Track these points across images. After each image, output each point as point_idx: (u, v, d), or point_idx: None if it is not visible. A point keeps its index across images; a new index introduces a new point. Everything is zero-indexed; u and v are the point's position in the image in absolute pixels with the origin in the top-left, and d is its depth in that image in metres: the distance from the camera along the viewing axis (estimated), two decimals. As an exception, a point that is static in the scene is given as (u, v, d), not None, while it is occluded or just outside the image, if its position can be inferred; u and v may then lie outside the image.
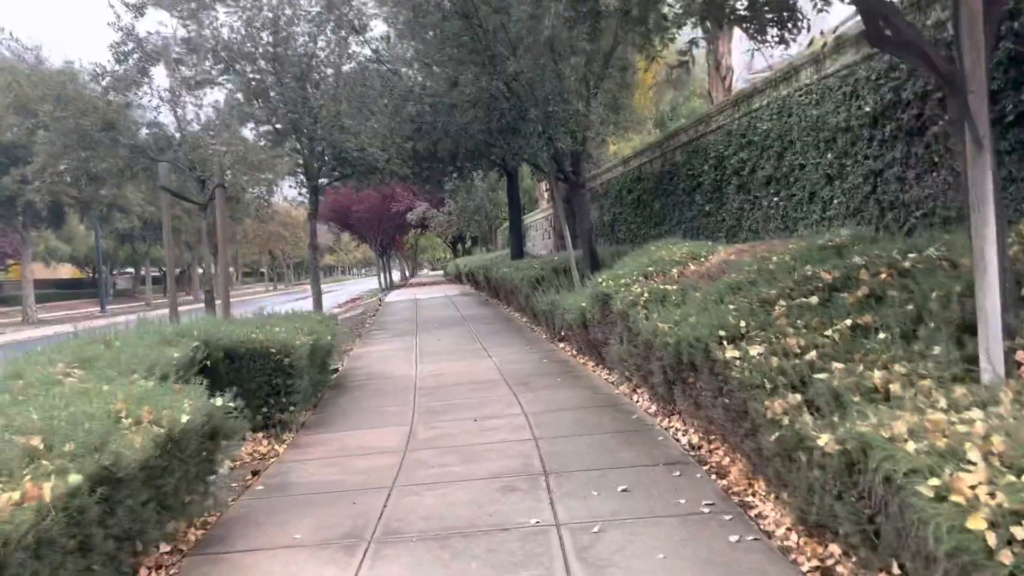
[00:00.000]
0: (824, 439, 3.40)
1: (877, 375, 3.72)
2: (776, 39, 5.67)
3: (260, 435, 7.01)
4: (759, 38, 5.65)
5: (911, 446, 2.80)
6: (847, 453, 3.23)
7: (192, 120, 10.44)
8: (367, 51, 14.62)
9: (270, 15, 14.00)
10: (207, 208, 9.23)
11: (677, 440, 5.80)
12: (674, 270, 7.55)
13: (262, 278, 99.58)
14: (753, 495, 4.49)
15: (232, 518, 4.84)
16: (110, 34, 9.50)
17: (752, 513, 4.25)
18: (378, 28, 14.56)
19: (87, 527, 3.24)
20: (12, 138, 18.93)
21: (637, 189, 15.34)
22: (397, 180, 20.07)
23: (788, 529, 3.92)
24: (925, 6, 6.39)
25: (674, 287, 6.94)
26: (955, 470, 2.55)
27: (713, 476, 4.94)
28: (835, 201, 7.90)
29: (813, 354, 4.27)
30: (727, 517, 4.16)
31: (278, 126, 14.74)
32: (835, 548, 3.50)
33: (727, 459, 5.20)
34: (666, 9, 5.78)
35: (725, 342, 4.85)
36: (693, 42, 6.74)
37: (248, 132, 14.84)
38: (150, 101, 10.03)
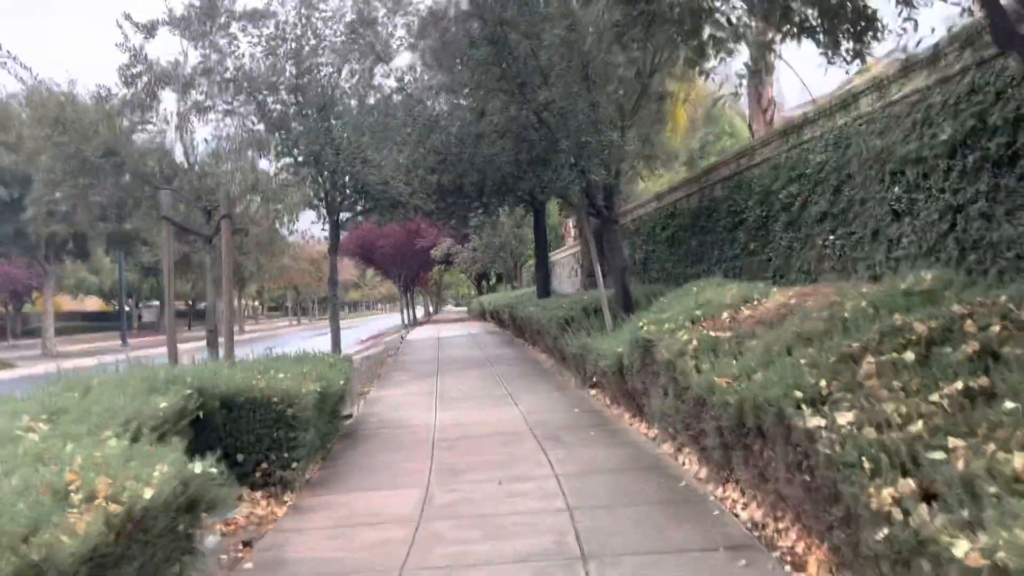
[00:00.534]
0: (962, 547, 2.59)
1: (1019, 459, 2.89)
2: (851, 53, 4.94)
3: (259, 494, 6.25)
4: (831, 52, 4.93)
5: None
6: (1002, 571, 2.42)
7: (199, 147, 9.90)
8: (391, 82, 14.13)
9: (293, 45, 13.61)
10: (212, 241, 8.67)
11: (736, 515, 4.95)
12: (725, 314, 6.74)
13: (287, 312, 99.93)
14: (845, 599, 3.64)
15: (210, 608, 4.06)
16: (118, 56, 9.06)
17: (850, 628, 3.40)
18: (403, 58, 14.09)
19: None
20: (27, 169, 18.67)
21: (672, 226, 14.58)
22: (421, 215, 19.54)
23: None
24: None
25: (727, 334, 6.13)
26: None
27: (787, 567, 4.09)
28: (904, 240, 7.07)
29: (919, 425, 3.44)
30: (819, 634, 3.32)
31: (300, 158, 14.25)
32: None
33: (802, 544, 4.33)
34: (724, 19, 5.07)
35: (804, 405, 4.03)
36: (751, 67, 6.01)
37: (267, 163, 14.37)
38: (155, 126, 9.51)
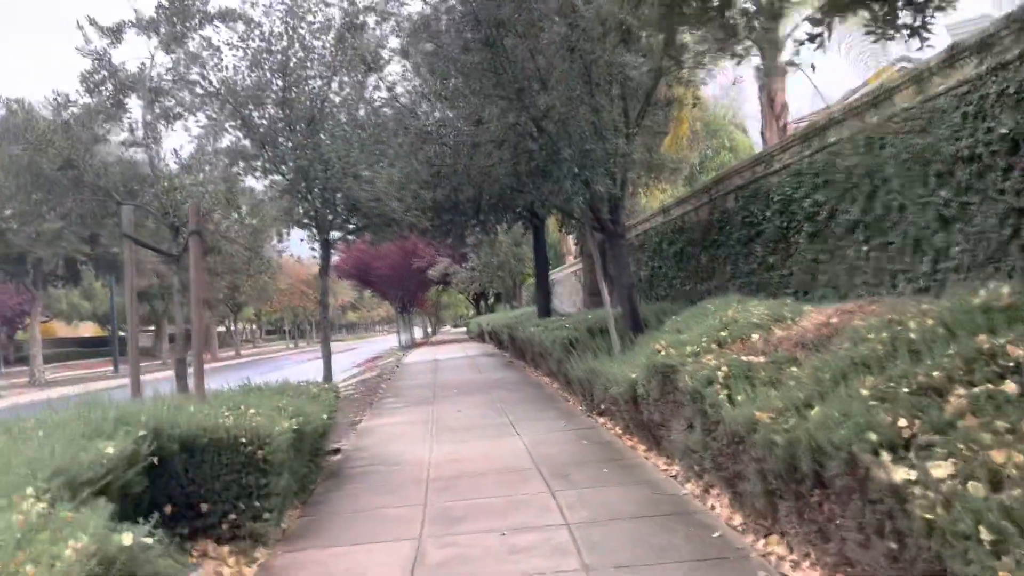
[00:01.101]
0: None
1: None
2: (908, 29, 4.20)
3: (227, 549, 5.42)
4: (886, 28, 4.19)
5: None
6: None
7: (167, 157, 9.08)
8: (382, 92, 13.42)
9: (280, 57, 12.91)
10: (180, 260, 7.89)
11: (785, 577, 4.14)
12: (755, 336, 5.95)
13: (285, 335, 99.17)
14: None
15: None
16: (80, 62, 8.31)
17: None
18: (394, 67, 13.40)
19: None
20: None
21: (680, 240, 13.83)
22: (416, 233, 18.78)
23: None
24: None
25: (761, 359, 5.35)
26: None
27: (864, 653, 3.27)
28: (954, 249, 6.29)
29: (1047, 481, 2.67)
30: None
31: (289, 176, 13.49)
32: None
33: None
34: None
35: (883, 451, 3.24)
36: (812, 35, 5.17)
37: (254, 180, 13.62)
38: (119, 136, 8.69)
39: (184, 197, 7.65)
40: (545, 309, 20.97)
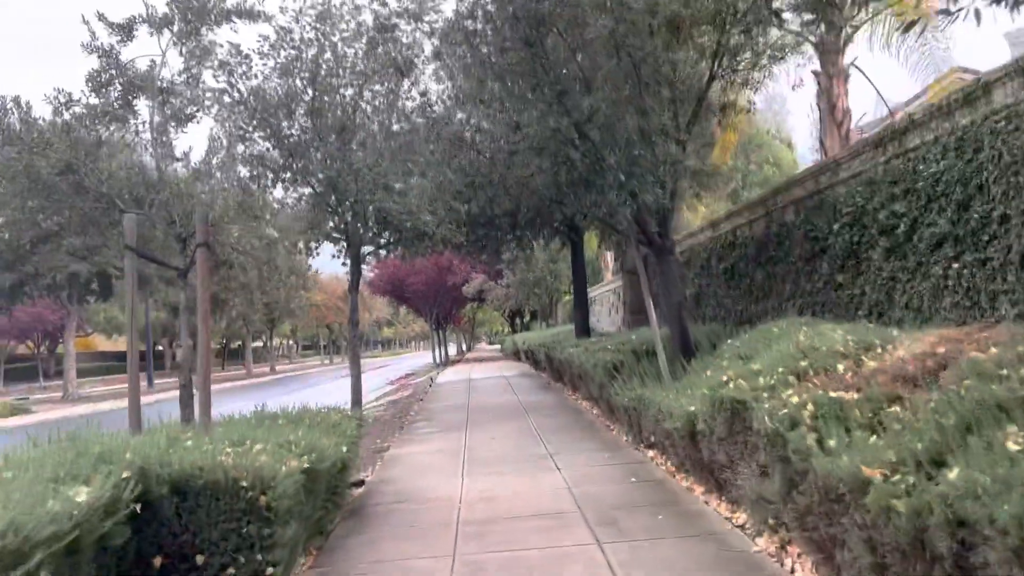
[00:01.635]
0: None
1: None
2: None
3: (225, 609, 4.71)
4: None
5: None
6: None
7: (177, 163, 8.46)
8: (414, 98, 12.80)
9: (311, 65, 12.38)
10: (187, 275, 7.28)
11: None
12: (841, 366, 5.07)
13: (321, 351, 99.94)
14: None
15: None
16: (86, 60, 7.78)
17: None
18: (427, 71, 12.74)
19: None
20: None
21: (731, 256, 12.91)
22: (450, 248, 18.13)
23: None
24: None
25: (853, 395, 4.47)
26: None
27: None
28: (1075, 265, 5.35)
29: None
30: None
31: (319, 189, 12.92)
32: None
33: None
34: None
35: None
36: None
37: (281, 191, 13.07)
38: (128, 138, 8.08)
39: (192, 206, 7.04)
40: (583, 328, 20.13)
